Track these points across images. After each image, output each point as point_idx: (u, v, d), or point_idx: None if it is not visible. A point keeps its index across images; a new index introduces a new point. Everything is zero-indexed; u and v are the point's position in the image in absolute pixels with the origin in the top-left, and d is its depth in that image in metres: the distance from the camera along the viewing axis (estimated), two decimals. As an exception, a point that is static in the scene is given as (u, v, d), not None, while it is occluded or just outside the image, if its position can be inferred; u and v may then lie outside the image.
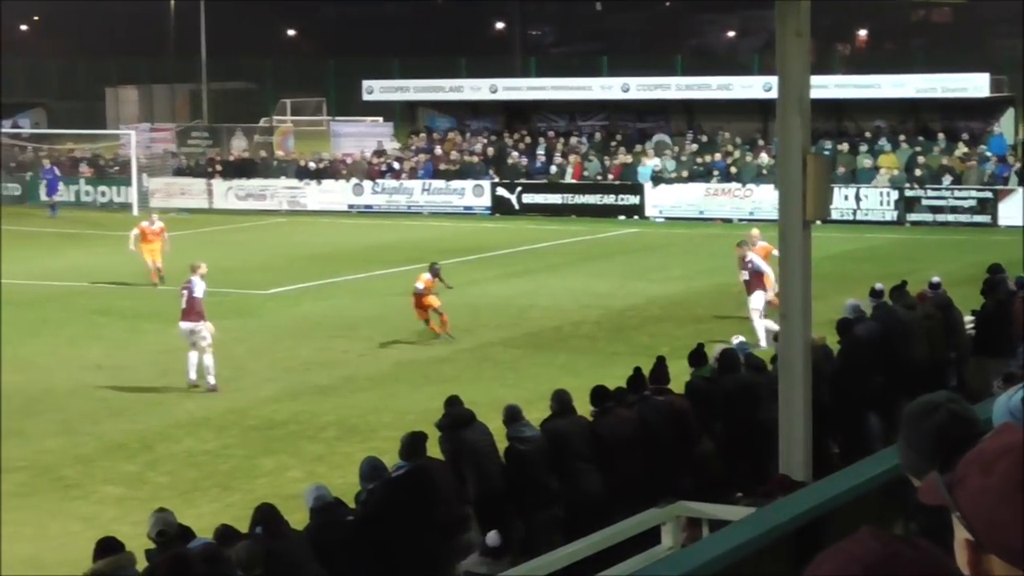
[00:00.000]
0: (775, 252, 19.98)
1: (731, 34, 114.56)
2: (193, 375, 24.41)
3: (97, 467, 19.70)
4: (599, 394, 15.21)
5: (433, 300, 27.90)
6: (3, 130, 62.97)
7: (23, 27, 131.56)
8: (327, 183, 54.16)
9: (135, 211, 53.50)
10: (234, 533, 11.57)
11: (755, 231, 28.12)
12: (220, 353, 25.32)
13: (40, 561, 16.03)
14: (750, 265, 26.27)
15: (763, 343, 24.76)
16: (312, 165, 55.09)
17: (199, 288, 24.59)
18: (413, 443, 13.17)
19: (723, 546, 7.53)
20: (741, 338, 19.79)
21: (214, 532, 11.63)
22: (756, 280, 26.17)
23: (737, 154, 49.66)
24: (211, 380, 24.20)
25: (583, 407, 15.17)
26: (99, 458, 20.14)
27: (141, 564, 10.87)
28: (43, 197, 54.78)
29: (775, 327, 21.08)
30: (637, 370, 16.02)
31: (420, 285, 27.97)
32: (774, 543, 7.67)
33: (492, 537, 12.09)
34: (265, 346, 27.90)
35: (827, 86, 45.23)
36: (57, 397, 23.86)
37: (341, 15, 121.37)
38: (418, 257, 39.20)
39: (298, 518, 12.66)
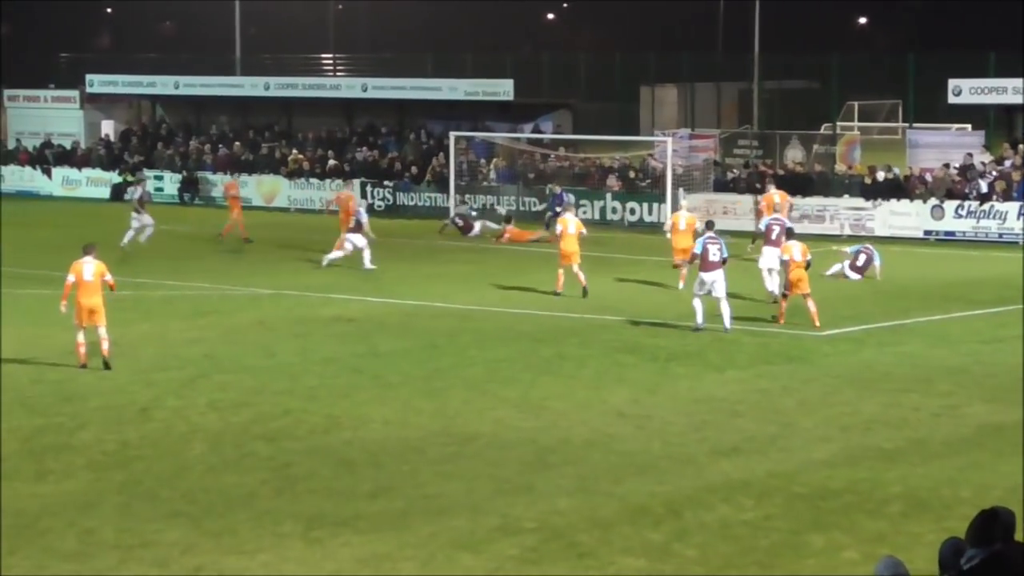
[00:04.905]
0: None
1: None
2: (700, 320, 33.66)
3: (616, 533, 20.07)
4: None
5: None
6: (523, 135, 65.17)
7: (549, 15, 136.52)
8: (900, 204, 53.73)
9: (668, 234, 54.46)
10: None
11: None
12: (765, 405, 27.25)
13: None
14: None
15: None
16: (882, 180, 54.75)
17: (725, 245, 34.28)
18: (984, 525, 12.76)
19: None
20: None
21: None
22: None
23: None
24: (728, 324, 33.69)
25: None
26: (619, 523, 20.51)
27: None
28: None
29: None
30: None
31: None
32: None
33: None
34: (819, 399, 27.84)
35: None
36: (574, 448, 24.45)
37: (926, 1, 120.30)
38: (1011, 297, 38.31)
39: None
